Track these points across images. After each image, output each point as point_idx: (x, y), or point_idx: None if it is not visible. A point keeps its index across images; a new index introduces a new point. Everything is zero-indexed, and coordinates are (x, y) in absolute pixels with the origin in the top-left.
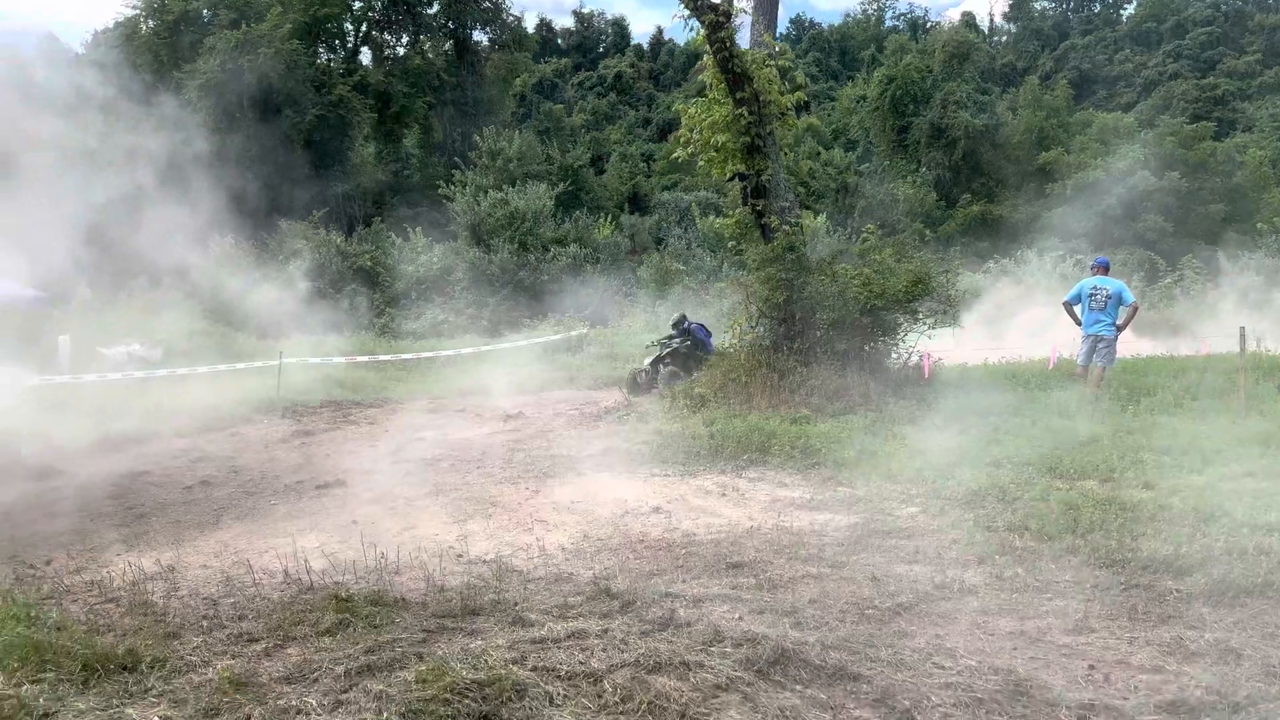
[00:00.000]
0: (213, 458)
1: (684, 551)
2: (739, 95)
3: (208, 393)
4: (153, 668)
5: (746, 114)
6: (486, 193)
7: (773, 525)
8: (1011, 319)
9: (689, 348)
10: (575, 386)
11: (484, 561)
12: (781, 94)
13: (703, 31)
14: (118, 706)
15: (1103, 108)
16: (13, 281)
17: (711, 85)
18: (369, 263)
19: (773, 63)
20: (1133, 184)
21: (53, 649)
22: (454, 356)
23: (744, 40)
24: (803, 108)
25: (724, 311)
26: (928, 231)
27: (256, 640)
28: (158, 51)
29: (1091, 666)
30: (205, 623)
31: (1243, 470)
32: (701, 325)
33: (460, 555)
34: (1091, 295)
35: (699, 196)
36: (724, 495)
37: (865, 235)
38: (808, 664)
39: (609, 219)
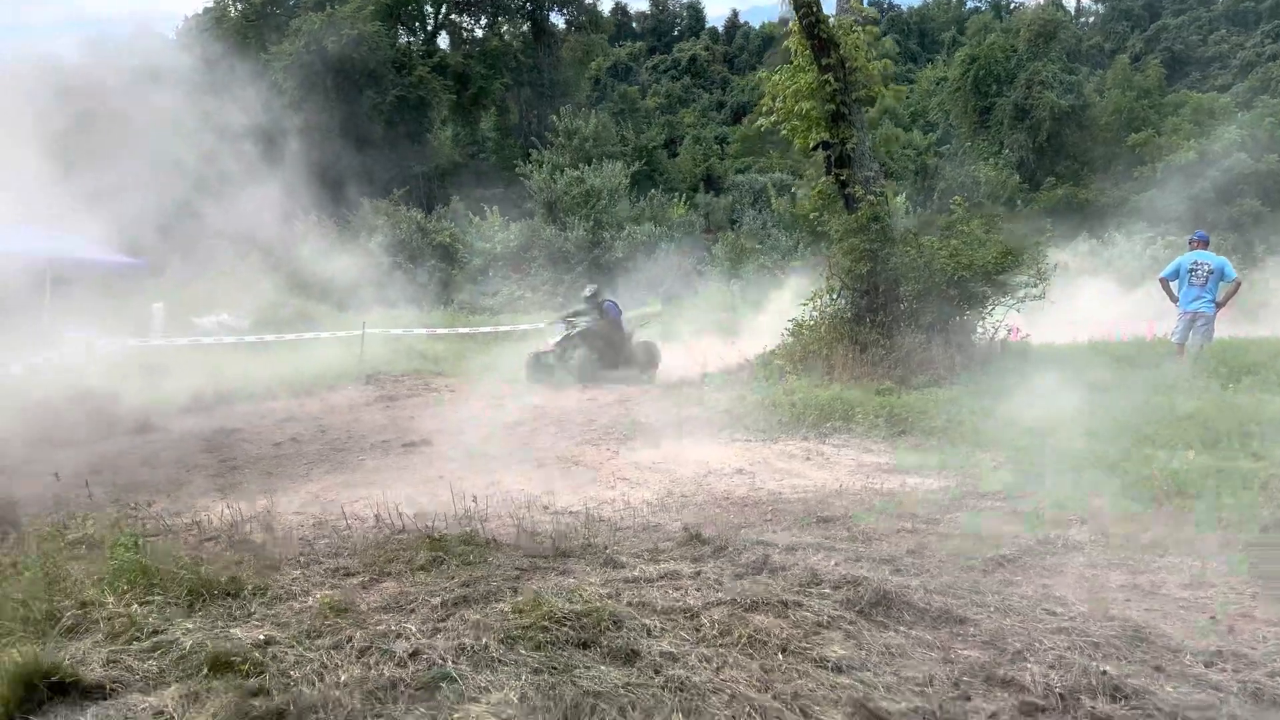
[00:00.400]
0: (300, 418)
1: (770, 508)
2: (824, 61)
3: (293, 360)
4: (254, 595)
5: (832, 80)
6: (563, 171)
7: (861, 487)
8: (1098, 299)
9: (604, 327)
10: None
11: (570, 513)
12: (869, 60)
13: None
14: (223, 627)
15: (1196, 89)
16: (112, 249)
17: (796, 52)
18: (447, 239)
19: (859, 29)
20: (1228, 166)
21: (159, 574)
22: (530, 330)
23: (830, 6)
24: (887, 79)
25: (800, 291)
26: (1011, 212)
27: (353, 574)
28: (245, 34)
29: (1213, 618)
30: (302, 558)
31: None
32: (614, 303)
33: (546, 507)
34: (1192, 270)
35: (774, 178)
36: (808, 459)
37: (953, 207)
38: (911, 606)
39: (683, 199)
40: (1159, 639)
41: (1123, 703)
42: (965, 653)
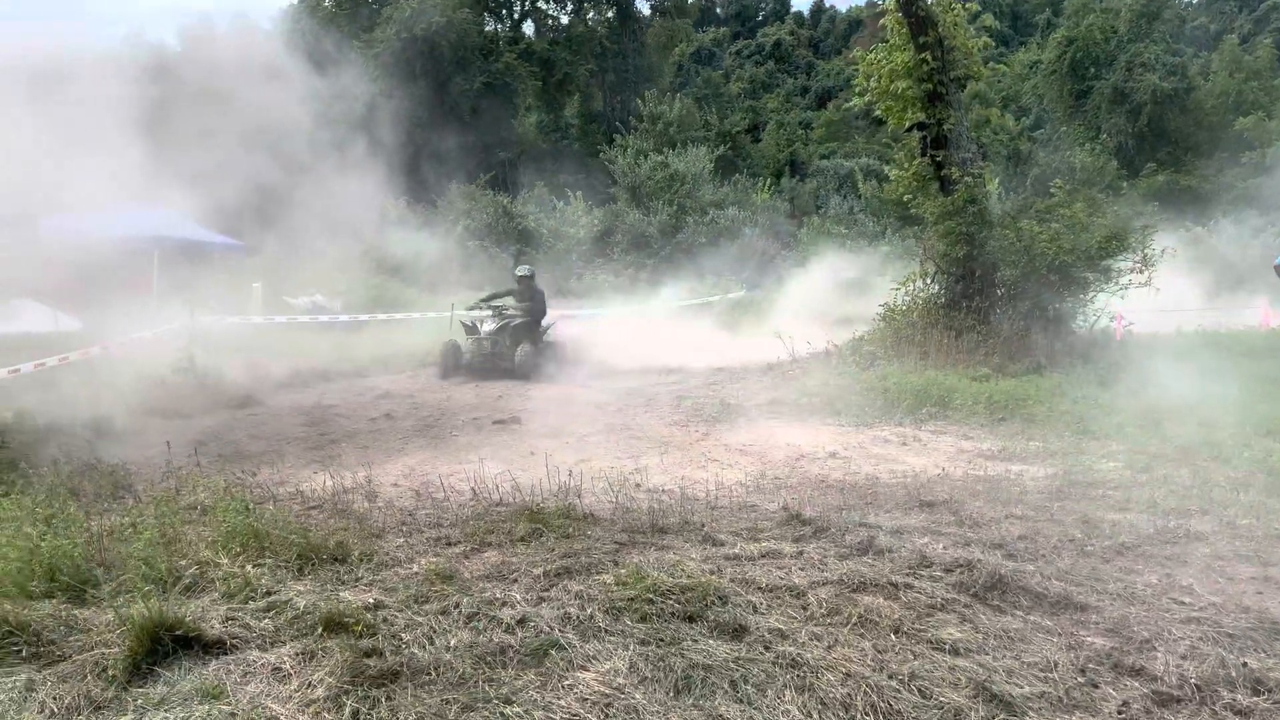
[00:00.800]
0: (394, 395)
1: (869, 491)
2: (921, 40)
3: (385, 339)
4: (361, 560)
5: (929, 59)
6: (646, 156)
7: (963, 473)
8: (1201, 288)
9: (536, 314)
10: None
11: (664, 491)
12: (968, 38)
13: None
14: (332, 589)
15: None
16: (214, 230)
17: (892, 30)
18: (531, 223)
19: (958, 6)
20: None
21: (270, 538)
22: (613, 314)
23: None
24: (987, 58)
25: (888, 273)
26: (1110, 198)
27: (454, 544)
28: (339, 24)
29: None
30: (404, 527)
31: None
32: (542, 291)
33: (639, 484)
34: None
35: (860, 162)
36: (904, 444)
37: (1053, 190)
38: (1028, 591)
39: (766, 184)
40: None
41: (1265, 696)
42: (1089, 639)
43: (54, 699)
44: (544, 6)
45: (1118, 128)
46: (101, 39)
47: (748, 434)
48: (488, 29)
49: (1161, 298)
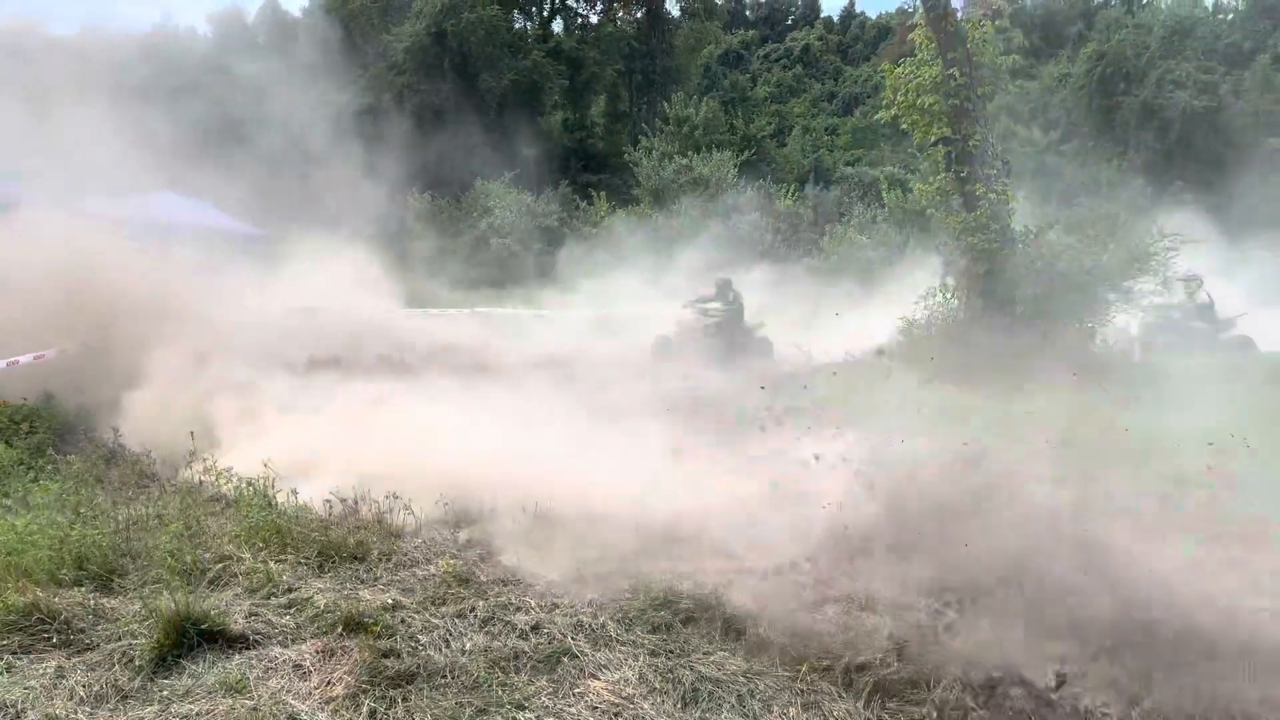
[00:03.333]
0: None
1: None
2: (950, 55)
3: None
4: (380, 559)
5: (957, 75)
6: (671, 158)
7: None
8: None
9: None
10: None
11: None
12: (998, 56)
13: None
14: (352, 588)
15: None
16: (236, 219)
17: (921, 45)
18: (555, 223)
19: (988, 23)
20: None
21: (292, 535)
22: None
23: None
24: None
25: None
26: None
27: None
28: (369, 16)
29: None
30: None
31: None
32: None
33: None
34: None
35: (886, 171)
36: None
37: (1076, 209)
38: None
39: (791, 191)
40: None
41: None
42: None
43: (83, 686)
44: (574, 5)
45: (1146, 144)
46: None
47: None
48: (517, 26)
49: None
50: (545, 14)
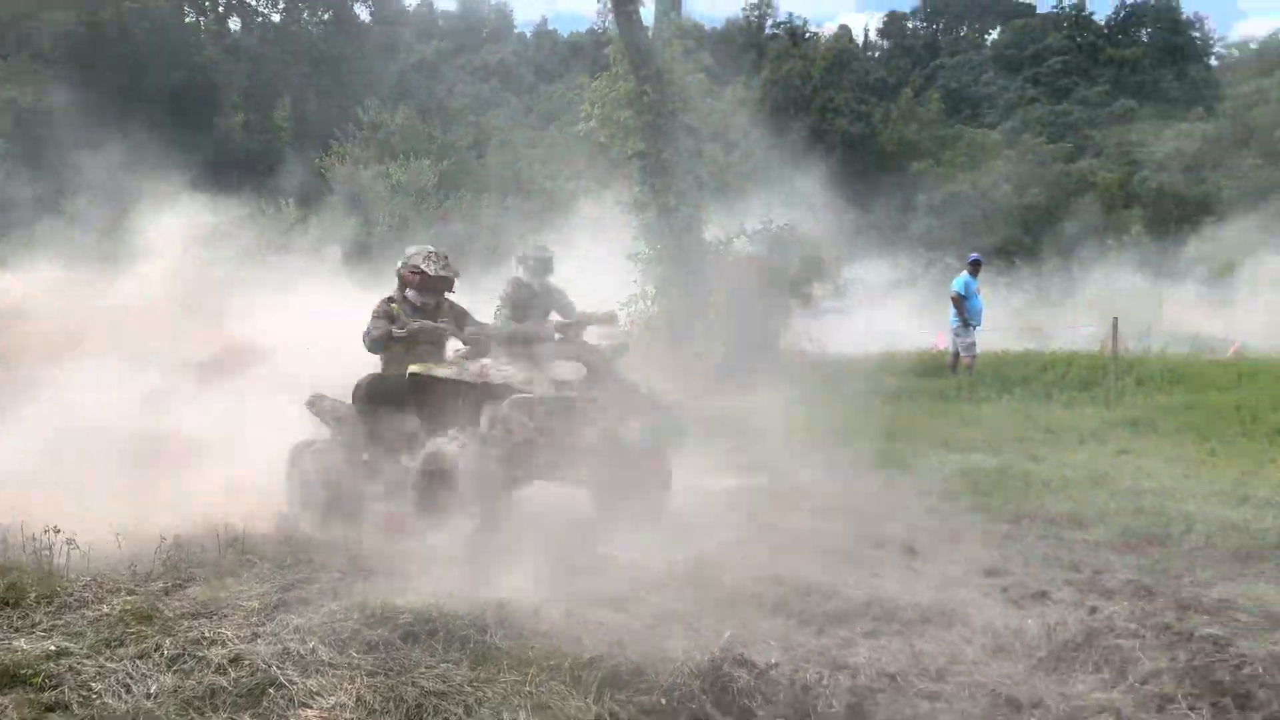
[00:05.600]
0: None
1: None
2: (643, 72)
3: None
4: (39, 603)
5: (650, 91)
6: (367, 165)
7: None
8: (895, 314)
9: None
10: None
11: None
12: (685, 74)
13: (610, 3)
14: (4, 639)
15: (968, 125)
16: None
17: (615, 60)
18: (234, 229)
19: (675, 41)
20: (996, 198)
21: None
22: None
23: (650, 18)
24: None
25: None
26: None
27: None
28: None
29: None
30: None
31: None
32: None
33: None
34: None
35: (584, 185)
36: None
37: (761, 223)
38: None
39: (493, 202)
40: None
41: None
42: None
43: None
44: (253, 3)
45: (813, 166)
46: None
47: None
48: (188, 20)
49: (858, 323)
50: (220, 9)
